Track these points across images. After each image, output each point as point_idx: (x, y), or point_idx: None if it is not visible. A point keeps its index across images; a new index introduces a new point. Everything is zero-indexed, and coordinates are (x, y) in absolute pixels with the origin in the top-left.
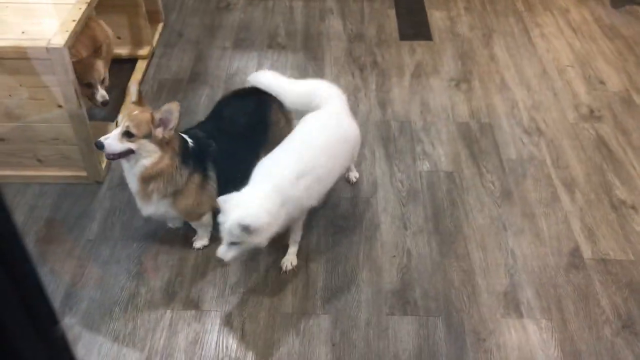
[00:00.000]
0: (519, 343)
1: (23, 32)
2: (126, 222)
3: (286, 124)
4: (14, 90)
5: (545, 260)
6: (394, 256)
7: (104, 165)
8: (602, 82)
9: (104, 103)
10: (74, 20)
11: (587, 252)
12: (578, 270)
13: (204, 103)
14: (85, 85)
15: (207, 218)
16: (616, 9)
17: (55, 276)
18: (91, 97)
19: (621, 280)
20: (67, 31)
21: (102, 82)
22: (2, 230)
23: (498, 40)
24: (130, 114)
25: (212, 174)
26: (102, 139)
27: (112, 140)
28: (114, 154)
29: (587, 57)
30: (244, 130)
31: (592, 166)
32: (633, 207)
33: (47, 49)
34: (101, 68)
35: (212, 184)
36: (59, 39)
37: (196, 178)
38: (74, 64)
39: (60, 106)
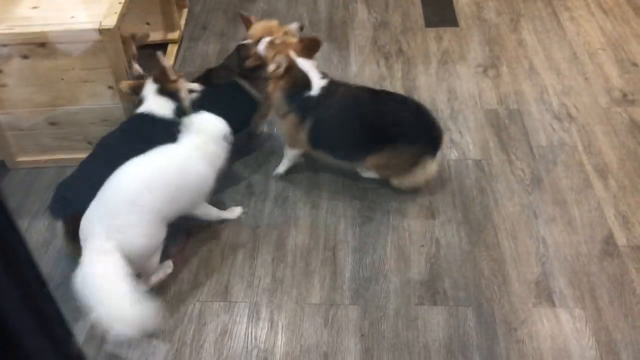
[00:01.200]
0: (552, 333)
1: (72, 17)
2: None
3: None
4: (66, 74)
5: (577, 249)
6: (423, 246)
7: None
8: (635, 65)
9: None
10: (120, 2)
11: (621, 239)
12: (612, 258)
13: None
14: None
15: (293, 153)
16: None
17: None
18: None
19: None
20: (116, 13)
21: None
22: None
23: (526, 25)
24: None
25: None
26: None
27: None
28: None
29: (620, 40)
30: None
31: (626, 152)
32: None
33: (100, 31)
34: (130, 50)
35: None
36: (110, 21)
37: (292, 117)
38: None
39: (111, 87)
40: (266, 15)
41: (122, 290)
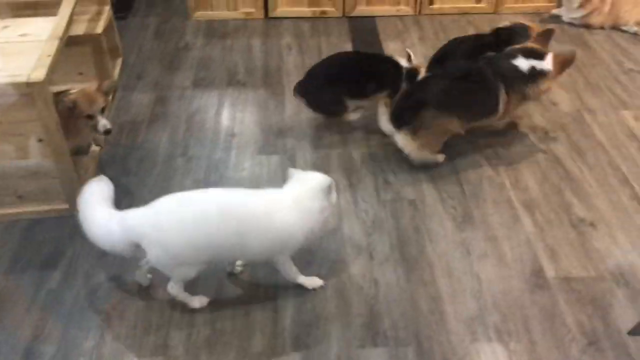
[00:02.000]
0: None
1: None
2: (89, 270)
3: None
4: None
5: (510, 283)
6: (362, 288)
7: None
8: (554, 104)
9: (107, 132)
10: (49, 56)
11: (550, 271)
12: (543, 290)
13: (164, 145)
14: (88, 117)
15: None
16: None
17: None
18: (94, 127)
19: (585, 298)
20: (44, 66)
21: (102, 112)
22: None
23: None
24: None
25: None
26: None
27: None
28: None
29: None
30: None
31: (550, 186)
32: (592, 224)
33: (28, 84)
34: (100, 100)
35: None
36: (38, 74)
37: None
38: (78, 98)
39: (41, 140)
40: (201, 63)
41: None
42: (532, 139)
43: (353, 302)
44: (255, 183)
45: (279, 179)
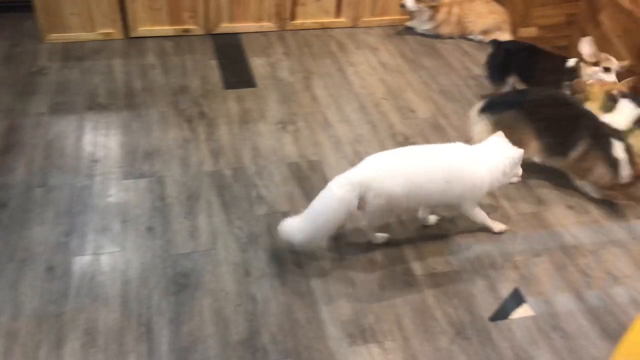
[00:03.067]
0: None
1: None
2: None
3: None
4: None
5: (381, 284)
6: (239, 305)
7: None
8: (412, 111)
9: None
10: None
11: (417, 269)
12: (412, 287)
13: (21, 175)
14: None
15: None
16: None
17: None
18: None
19: (450, 291)
20: None
21: None
22: None
23: (317, 82)
24: None
25: None
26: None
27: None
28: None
29: (398, 90)
30: None
31: None
32: (451, 221)
33: None
34: None
35: None
36: None
37: None
38: None
39: None
40: (59, 87)
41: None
42: (394, 145)
43: (231, 320)
44: (123, 209)
45: (149, 204)
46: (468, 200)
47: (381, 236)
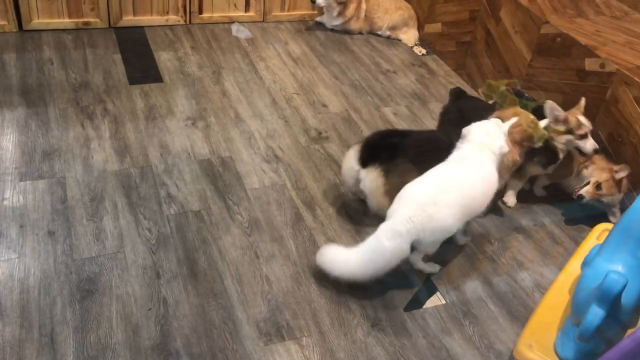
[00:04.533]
0: None
1: None
2: None
3: None
4: None
5: (297, 279)
6: (150, 309)
7: None
8: (324, 105)
9: None
10: None
11: None
12: (328, 282)
13: None
14: None
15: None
16: None
17: None
18: None
19: (367, 283)
20: None
21: None
22: None
23: (228, 77)
24: None
25: None
26: None
27: None
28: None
29: (310, 85)
30: None
31: (327, 183)
32: (364, 214)
33: None
34: None
35: None
36: None
37: None
38: None
39: None
40: None
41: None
42: (307, 140)
43: (142, 325)
44: (20, 213)
45: (49, 206)
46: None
47: (433, 265)
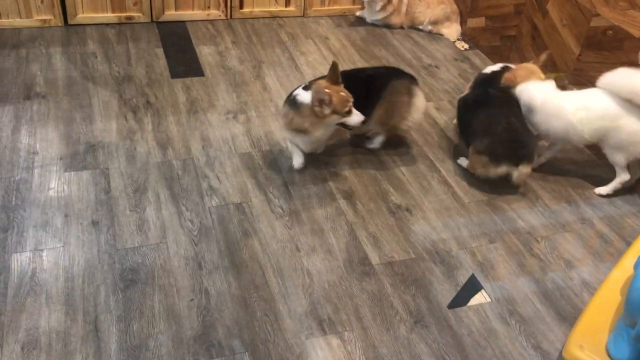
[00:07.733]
0: None
1: None
2: None
3: None
4: None
5: (339, 274)
6: (192, 300)
7: None
8: None
9: None
10: None
11: (374, 258)
12: (370, 277)
13: None
14: None
15: None
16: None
17: None
18: None
19: (407, 279)
20: None
21: None
22: None
23: (268, 71)
24: None
25: None
26: None
27: None
28: None
29: None
30: None
31: (367, 177)
32: (407, 210)
33: None
34: None
35: None
36: None
37: None
38: None
39: None
40: None
41: None
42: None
43: (183, 316)
44: (65, 203)
45: (93, 197)
46: None
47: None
